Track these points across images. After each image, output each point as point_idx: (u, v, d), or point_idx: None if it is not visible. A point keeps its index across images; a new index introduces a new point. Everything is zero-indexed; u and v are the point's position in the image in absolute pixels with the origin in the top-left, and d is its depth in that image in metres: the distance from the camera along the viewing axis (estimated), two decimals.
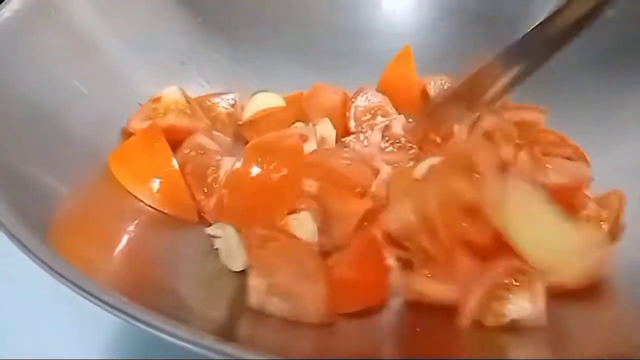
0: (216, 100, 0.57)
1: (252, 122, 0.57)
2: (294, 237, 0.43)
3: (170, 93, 0.53)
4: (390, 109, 0.60)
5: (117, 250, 0.43)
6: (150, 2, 0.59)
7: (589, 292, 0.41)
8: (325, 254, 0.44)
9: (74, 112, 0.48)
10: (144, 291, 0.38)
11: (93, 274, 0.33)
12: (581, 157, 0.51)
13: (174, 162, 0.49)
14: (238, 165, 0.48)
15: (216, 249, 0.46)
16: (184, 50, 0.60)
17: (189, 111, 0.53)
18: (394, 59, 0.63)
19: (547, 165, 0.46)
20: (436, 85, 0.61)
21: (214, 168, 0.49)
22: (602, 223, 0.45)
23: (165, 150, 0.49)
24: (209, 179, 0.49)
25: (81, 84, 0.50)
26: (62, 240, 0.37)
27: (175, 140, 0.51)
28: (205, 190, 0.49)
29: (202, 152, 0.51)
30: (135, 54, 0.56)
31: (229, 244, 0.45)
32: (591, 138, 0.54)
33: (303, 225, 0.45)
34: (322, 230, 0.45)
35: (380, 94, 0.60)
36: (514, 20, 0.61)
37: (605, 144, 0.54)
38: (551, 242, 0.39)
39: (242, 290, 0.41)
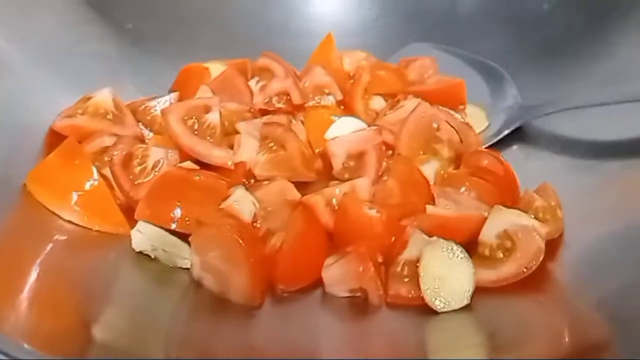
0: (152, 103, 0.57)
1: None
2: (229, 222, 0.43)
3: (100, 94, 0.53)
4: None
5: (37, 280, 0.41)
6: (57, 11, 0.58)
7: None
8: (268, 233, 0.46)
9: None
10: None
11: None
12: (505, 185, 0.50)
13: (97, 177, 0.47)
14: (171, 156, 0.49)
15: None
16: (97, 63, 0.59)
17: (110, 116, 0.52)
18: (318, 45, 0.66)
19: (462, 190, 0.49)
20: (352, 59, 0.65)
21: (140, 158, 0.49)
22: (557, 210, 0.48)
23: (86, 165, 0.48)
24: (136, 170, 0.49)
25: None
26: None
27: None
28: (133, 180, 0.48)
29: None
30: (48, 68, 0.55)
31: (162, 244, 0.44)
32: None
33: (243, 203, 0.46)
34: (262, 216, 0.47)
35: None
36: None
37: None
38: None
39: None
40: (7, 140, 0.48)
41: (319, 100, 0.61)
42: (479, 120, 0.60)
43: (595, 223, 0.47)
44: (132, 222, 0.46)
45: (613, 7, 0.59)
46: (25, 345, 0.33)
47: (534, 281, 0.43)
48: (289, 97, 0.59)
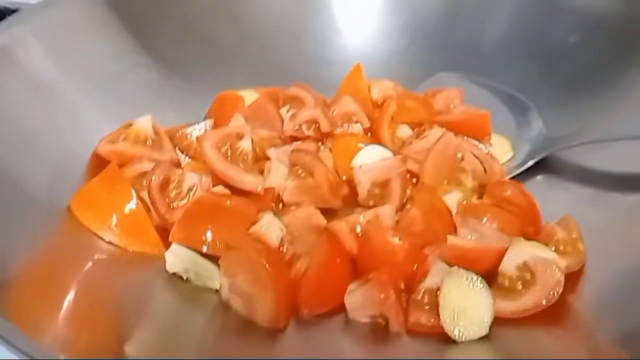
0: (188, 129, 0.60)
1: None
2: (257, 247, 0.46)
3: (140, 121, 0.57)
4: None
5: (77, 300, 0.43)
6: (107, 41, 0.62)
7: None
8: (294, 257, 0.48)
9: (30, 163, 0.49)
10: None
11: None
12: (527, 216, 0.51)
13: (136, 201, 0.50)
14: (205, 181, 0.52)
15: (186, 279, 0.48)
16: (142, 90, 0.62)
17: (149, 142, 0.56)
18: (348, 74, 0.68)
19: (484, 221, 0.50)
20: (379, 89, 0.66)
21: (176, 183, 0.52)
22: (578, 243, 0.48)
23: (127, 190, 0.51)
24: (172, 194, 0.52)
25: (39, 131, 0.52)
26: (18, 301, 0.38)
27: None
28: (168, 203, 0.51)
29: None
30: (94, 95, 0.58)
31: (193, 266, 0.47)
32: None
33: (271, 228, 0.48)
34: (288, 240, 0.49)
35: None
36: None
37: None
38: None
39: None
40: (54, 164, 0.51)
41: (347, 128, 0.63)
42: (504, 150, 0.61)
43: (618, 256, 0.48)
44: (167, 244, 0.49)
45: (638, 41, 0.59)
46: (63, 358, 0.36)
47: (554, 313, 0.44)
48: (317, 125, 0.61)
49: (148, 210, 0.51)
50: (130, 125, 0.56)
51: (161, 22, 0.67)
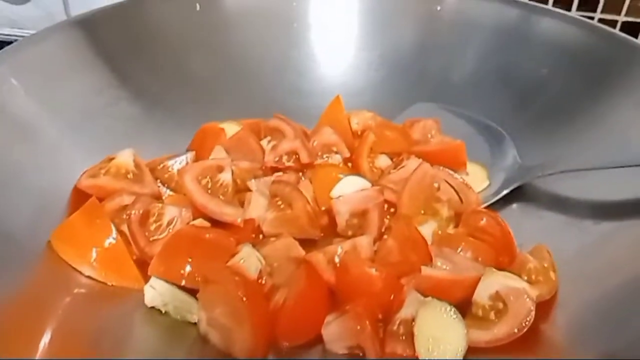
0: (170, 162, 0.61)
1: None
2: (234, 280, 0.46)
3: (121, 155, 0.58)
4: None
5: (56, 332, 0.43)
6: (87, 77, 0.63)
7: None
8: (273, 288, 0.49)
9: (11, 200, 0.50)
10: None
11: None
12: (501, 245, 0.52)
13: (116, 235, 0.51)
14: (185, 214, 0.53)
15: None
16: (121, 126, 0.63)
17: (130, 175, 0.57)
18: (328, 105, 0.70)
19: (458, 251, 0.51)
20: (359, 119, 0.68)
21: (156, 216, 0.53)
22: (550, 272, 0.49)
23: (106, 224, 0.52)
24: (152, 227, 0.52)
25: (20, 167, 0.52)
26: None
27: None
28: (147, 236, 0.52)
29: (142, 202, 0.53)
30: (75, 130, 0.59)
31: (172, 299, 0.47)
32: None
33: (249, 261, 0.49)
34: (267, 272, 0.50)
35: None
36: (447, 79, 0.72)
37: None
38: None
39: None
40: (36, 199, 0.52)
41: (326, 158, 0.64)
42: (479, 179, 0.62)
43: (590, 284, 0.48)
44: (147, 277, 0.49)
45: (611, 72, 0.61)
46: None
47: (527, 342, 0.45)
48: (298, 156, 0.62)
49: (128, 243, 0.52)
50: (111, 159, 0.57)
51: (141, 56, 0.68)
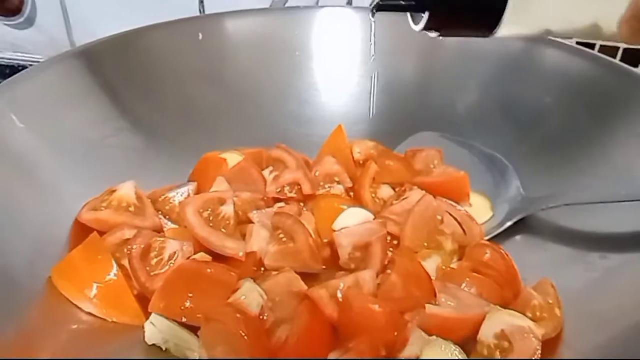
0: (171, 194, 0.60)
1: None
2: (236, 318, 0.45)
3: (123, 187, 0.57)
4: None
5: None
6: (87, 108, 0.63)
7: None
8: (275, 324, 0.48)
9: (11, 235, 0.49)
10: None
11: None
12: (506, 280, 0.52)
13: (117, 271, 0.50)
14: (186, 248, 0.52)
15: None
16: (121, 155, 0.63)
17: (132, 208, 0.56)
18: (330, 135, 0.70)
19: (463, 286, 0.50)
20: (361, 149, 0.68)
21: (157, 251, 0.52)
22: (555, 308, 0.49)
23: (108, 260, 0.51)
24: (153, 262, 0.52)
25: (20, 201, 0.52)
26: None
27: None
28: (149, 271, 0.51)
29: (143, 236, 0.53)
30: (76, 162, 0.59)
31: (173, 337, 0.47)
32: None
33: (250, 297, 0.48)
34: (269, 307, 0.49)
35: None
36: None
37: None
38: None
39: None
40: (35, 232, 0.51)
41: (329, 188, 0.64)
42: (483, 210, 0.62)
43: (597, 323, 0.48)
44: (148, 313, 0.49)
45: (615, 104, 0.61)
46: None
47: None
48: (300, 187, 0.62)
49: (129, 278, 0.51)
50: (113, 191, 0.57)
51: (142, 86, 0.68)
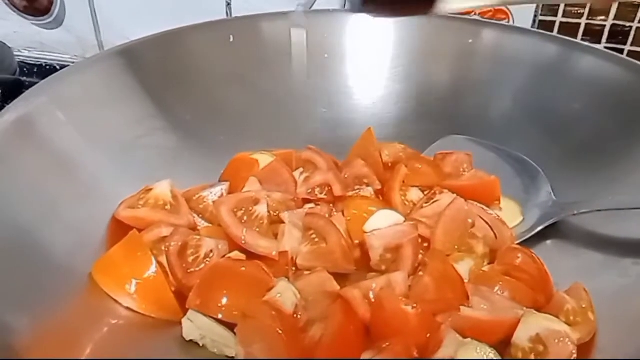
0: (205, 193, 0.61)
1: None
2: (272, 315, 0.46)
3: (159, 186, 0.58)
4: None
5: None
6: (126, 107, 0.64)
7: None
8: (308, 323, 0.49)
9: (52, 232, 0.50)
10: None
11: None
12: (538, 284, 0.52)
13: (156, 267, 0.51)
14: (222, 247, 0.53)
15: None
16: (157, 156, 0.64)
17: (168, 207, 0.57)
18: (359, 138, 0.70)
19: (496, 290, 0.50)
20: (390, 152, 0.68)
21: (194, 248, 0.53)
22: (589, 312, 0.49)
23: (147, 257, 0.52)
24: (190, 259, 0.53)
25: (60, 199, 0.53)
26: None
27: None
28: (185, 268, 0.52)
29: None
30: (113, 160, 0.60)
31: (210, 333, 0.48)
32: None
33: (285, 295, 0.48)
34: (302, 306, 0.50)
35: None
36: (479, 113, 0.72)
37: None
38: None
39: None
40: (75, 230, 0.53)
41: (358, 190, 0.65)
42: (513, 215, 0.62)
43: (631, 331, 0.48)
44: (185, 309, 0.50)
45: None
46: None
47: None
48: (330, 189, 0.63)
49: (166, 274, 0.52)
50: (149, 190, 0.58)
51: (176, 86, 0.69)
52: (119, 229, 0.55)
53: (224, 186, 0.62)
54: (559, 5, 0.76)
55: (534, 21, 0.84)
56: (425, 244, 0.58)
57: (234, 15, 0.94)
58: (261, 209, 0.57)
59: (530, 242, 0.59)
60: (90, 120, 0.60)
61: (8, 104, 0.55)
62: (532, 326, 0.45)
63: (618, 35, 0.84)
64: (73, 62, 0.98)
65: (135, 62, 0.66)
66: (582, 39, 0.83)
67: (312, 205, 0.62)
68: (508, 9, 0.82)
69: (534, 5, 0.80)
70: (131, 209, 0.56)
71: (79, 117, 0.59)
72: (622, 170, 0.60)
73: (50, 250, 0.49)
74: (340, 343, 0.48)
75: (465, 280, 0.52)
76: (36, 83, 0.59)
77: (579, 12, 0.82)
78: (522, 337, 0.46)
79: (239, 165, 0.66)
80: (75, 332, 0.46)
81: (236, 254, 0.55)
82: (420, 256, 0.56)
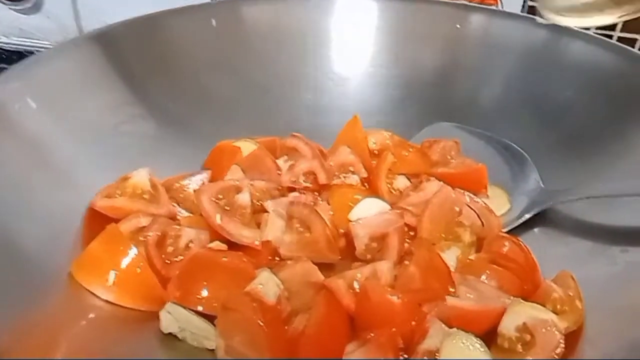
0: (185, 181, 0.60)
1: None
2: (253, 307, 0.45)
3: (137, 174, 0.56)
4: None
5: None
6: (103, 94, 0.62)
7: None
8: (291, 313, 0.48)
9: (26, 221, 0.49)
10: None
11: None
12: (525, 273, 0.51)
13: (135, 258, 0.49)
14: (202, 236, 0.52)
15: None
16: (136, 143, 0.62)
17: (146, 196, 0.55)
18: (345, 125, 0.68)
19: (482, 278, 0.50)
20: (376, 139, 0.67)
21: (173, 238, 0.52)
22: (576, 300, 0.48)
23: (127, 247, 0.50)
24: (169, 249, 0.51)
25: (34, 187, 0.51)
26: None
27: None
28: (164, 259, 0.51)
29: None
30: (90, 148, 0.58)
31: (189, 325, 0.46)
32: None
33: (267, 286, 0.47)
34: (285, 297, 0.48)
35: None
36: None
37: None
38: None
39: None
40: (50, 219, 0.51)
41: (343, 178, 0.63)
42: (500, 202, 0.61)
43: (619, 320, 0.47)
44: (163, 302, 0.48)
45: (636, 97, 0.60)
46: None
47: None
48: (315, 177, 0.61)
49: (146, 265, 0.50)
50: (127, 178, 0.56)
51: (156, 72, 0.67)
52: (96, 220, 0.53)
53: (205, 174, 0.60)
54: None
55: (523, 6, 0.83)
56: (412, 233, 0.57)
57: None
58: (243, 198, 0.56)
59: (518, 230, 0.58)
60: (64, 106, 0.58)
61: None
62: (519, 315, 0.45)
63: None
64: None
65: (113, 47, 0.63)
66: None
67: (296, 193, 0.61)
68: None
69: None
70: (108, 199, 0.54)
71: (53, 103, 0.57)
72: (610, 158, 0.59)
73: (23, 243, 0.47)
74: (324, 334, 0.47)
75: (452, 269, 0.51)
76: None
77: None
78: (508, 326, 0.45)
79: (221, 153, 0.64)
80: (53, 325, 0.45)
81: (217, 244, 0.53)
82: (406, 245, 0.55)
